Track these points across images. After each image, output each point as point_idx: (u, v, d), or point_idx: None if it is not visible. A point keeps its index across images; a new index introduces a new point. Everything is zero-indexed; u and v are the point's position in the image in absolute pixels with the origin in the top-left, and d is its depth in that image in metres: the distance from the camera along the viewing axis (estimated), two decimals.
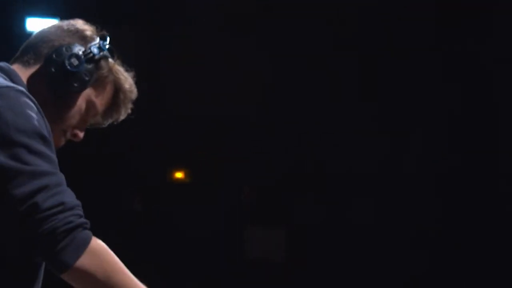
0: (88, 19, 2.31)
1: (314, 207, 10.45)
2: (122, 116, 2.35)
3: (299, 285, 10.04)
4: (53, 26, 2.25)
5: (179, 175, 10.86)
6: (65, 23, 2.26)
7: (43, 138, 1.97)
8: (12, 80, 2.11)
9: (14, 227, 1.93)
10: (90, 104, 2.24)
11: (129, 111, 2.34)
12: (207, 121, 10.21)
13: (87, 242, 1.95)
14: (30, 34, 8.84)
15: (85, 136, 2.36)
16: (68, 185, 2.03)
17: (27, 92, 2.03)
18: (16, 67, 2.19)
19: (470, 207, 10.36)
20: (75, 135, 2.24)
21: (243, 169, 10.48)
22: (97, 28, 2.30)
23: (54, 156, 2.00)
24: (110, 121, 2.35)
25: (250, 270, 10.17)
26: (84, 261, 1.93)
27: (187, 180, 10.89)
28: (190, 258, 9.99)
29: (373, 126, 10.50)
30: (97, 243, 1.98)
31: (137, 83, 2.37)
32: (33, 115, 1.99)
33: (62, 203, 1.92)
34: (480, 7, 10.43)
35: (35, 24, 9.65)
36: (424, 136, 10.77)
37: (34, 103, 2.02)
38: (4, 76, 2.11)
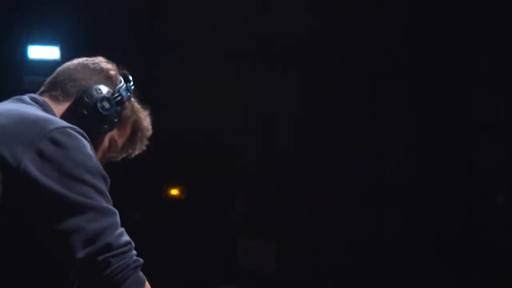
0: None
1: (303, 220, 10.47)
2: (137, 152, 2.37)
3: None
4: (78, 64, 2.23)
5: (174, 191, 10.85)
6: (90, 61, 2.25)
7: (105, 179, 1.98)
8: (51, 114, 2.10)
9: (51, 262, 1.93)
10: (112, 142, 2.26)
11: (144, 147, 2.36)
12: (199, 137, 10.25)
13: (144, 280, 1.98)
14: (31, 60, 8.79)
15: None
16: None
17: (83, 132, 2.01)
18: (47, 101, 2.16)
19: None
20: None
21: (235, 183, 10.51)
22: (117, 66, 2.30)
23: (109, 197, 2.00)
24: (124, 155, 2.37)
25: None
26: None
27: (182, 197, 10.88)
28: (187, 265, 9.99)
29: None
30: (147, 282, 2.00)
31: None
32: (93, 155, 1.99)
33: (129, 243, 1.95)
34: None
35: (36, 52, 9.66)
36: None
37: (90, 144, 2.01)
38: (42, 110, 2.09)
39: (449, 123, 10.81)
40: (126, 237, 1.95)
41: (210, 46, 10.25)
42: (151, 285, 2.01)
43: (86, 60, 2.25)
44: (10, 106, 2.06)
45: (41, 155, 1.87)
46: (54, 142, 1.89)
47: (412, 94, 10.85)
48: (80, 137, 1.97)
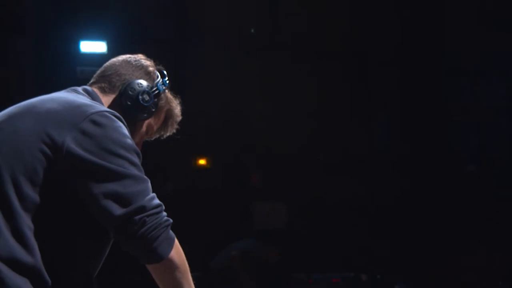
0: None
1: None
2: (168, 134, 2.37)
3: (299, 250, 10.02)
4: (123, 61, 2.24)
5: (202, 161, 10.84)
6: (132, 58, 2.25)
7: (137, 154, 1.99)
8: (98, 103, 2.12)
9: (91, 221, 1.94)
10: (149, 127, 2.26)
11: (174, 130, 2.36)
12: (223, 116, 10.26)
13: (174, 238, 1.97)
14: (83, 54, 8.76)
15: None
16: None
17: (120, 116, 2.04)
18: (96, 91, 2.18)
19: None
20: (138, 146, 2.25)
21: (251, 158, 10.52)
22: (154, 62, 2.30)
23: (142, 168, 2.00)
24: (157, 136, 2.36)
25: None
26: (174, 254, 1.94)
27: (209, 166, 10.86)
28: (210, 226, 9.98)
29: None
30: (176, 240, 2.00)
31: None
32: (128, 134, 2.00)
33: (160, 205, 1.95)
34: None
35: (87, 46, 9.66)
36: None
37: (125, 126, 2.03)
38: (90, 99, 2.11)
39: (428, 105, 10.79)
40: (157, 201, 1.95)
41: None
42: (180, 240, 2.01)
43: (129, 57, 2.25)
44: (63, 95, 2.09)
45: (83, 133, 1.90)
46: (95, 122, 1.92)
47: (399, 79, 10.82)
48: (116, 119, 1.99)
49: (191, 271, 2.05)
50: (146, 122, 2.24)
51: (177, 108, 2.33)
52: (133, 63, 2.23)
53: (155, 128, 2.29)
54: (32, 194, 1.88)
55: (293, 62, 10.46)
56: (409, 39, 10.58)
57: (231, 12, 10.06)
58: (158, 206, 1.94)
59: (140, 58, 2.26)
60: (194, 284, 2.05)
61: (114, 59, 2.25)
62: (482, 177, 10.55)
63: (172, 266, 1.95)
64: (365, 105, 10.84)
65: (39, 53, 9.75)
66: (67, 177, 1.90)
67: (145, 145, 2.30)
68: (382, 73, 10.86)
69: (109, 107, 2.12)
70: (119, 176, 1.90)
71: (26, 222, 1.87)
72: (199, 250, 8.78)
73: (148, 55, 2.35)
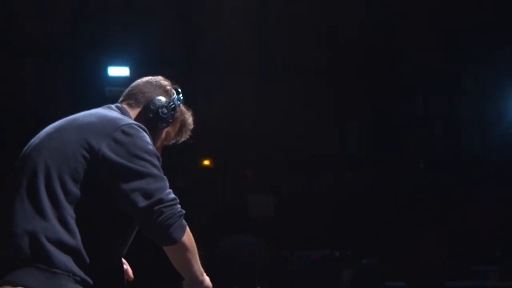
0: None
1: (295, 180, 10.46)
2: (183, 139, 2.34)
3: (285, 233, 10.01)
4: (146, 82, 2.23)
5: (206, 162, 10.86)
6: (153, 79, 2.24)
7: (158, 158, 2.00)
8: (127, 117, 2.13)
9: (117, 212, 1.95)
10: (167, 134, 2.24)
11: (188, 136, 2.33)
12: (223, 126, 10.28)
13: (186, 225, 1.97)
14: (110, 77, 8.68)
15: None
16: None
17: (144, 127, 2.05)
18: (125, 107, 2.17)
19: None
20: (158, 150, 2.19)
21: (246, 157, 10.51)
22: (171, 81, 2.28)
23: (161, 169, 2.01)
24: (173, 141, 2.34)
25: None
26: (185, 238, 1.94)
27: (212, 166, 10.86)
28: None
29: None
30: (188, 227, 1.99)
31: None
32: (150, 141, 2.01)
33: (175, 199, 1.96)
34: None
35: (114, 70, 9.66)
36: None
37: (148, 135, 2.04)
38: (121, 113, 2.12)
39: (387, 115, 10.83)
40: (173, 195, 1.96)
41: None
42: (190, 229, 2.00)
43: (151, 78, 2.25)
44: (100, 111, 2.11)
45: (115, 141, 1.93)
46: (124, 132, 1.95)
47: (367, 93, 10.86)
48: (141, 130, 2.01)
49: (198, 250, 2.06)
50: (165, 130, 2.22)
51: (189, 118, 2.31)
52: (154, 83, 2.22)
53: (172, 135, 2.27)
54: (74, 189, 1.91)
55: (278, 81, 10.49)
56: (371, 62, 10.62)
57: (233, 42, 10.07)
58: (173, 199, 1.95)
59: (160, 79, 2.26)
60: (201, 261, 2.04)
61: (138, 81, 2.25)
62: (430, 173, 10.60)
63: (183, 248, 1.96)
64: (337, 114, 10.89)
65: (75, 77, 9.77)
66: (102, 176, 1.92)
67: (162, 149, 2.30)
68: (351, 89, 10.90)
69: (135, 119, 2.13)
70: (143, 175, 1.92)
71: (69, 212, 1.90)
72: (205, 232, 8.79)
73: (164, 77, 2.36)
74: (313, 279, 8.41)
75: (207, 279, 2.06)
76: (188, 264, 1.98)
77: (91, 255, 1.90)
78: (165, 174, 1.98)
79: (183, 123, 2.28)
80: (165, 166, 2.04)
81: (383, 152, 10.56)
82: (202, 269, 2.03)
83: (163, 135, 2.22)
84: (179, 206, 1.96)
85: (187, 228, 1.97)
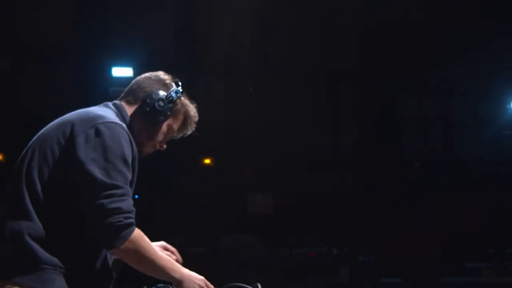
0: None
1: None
2: (189, 132, 2.25)
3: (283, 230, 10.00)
4: (145, 77, 2.18)
5: (207, 161, 10.86)
6: (152, 74, 2.18)
7: (125, 162, 1.94)
8: (121, 115, 2.08)
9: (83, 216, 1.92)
10: (170, 127, 2.17)
11: (193, 128, 2.24)
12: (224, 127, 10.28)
13: (127, 236, 1.89)
14: (114, 77, 8.61)
15: None
16: None
17: (126, 128, 2.00)
18: (123, 104, 2.13)
19: None
20: (161, 147, 2.16)
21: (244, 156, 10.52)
22: (172, 75, 2.21)
23: (129, 175, 1.95)
24: (181, 135, 2.25)
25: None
26: (126, 245, 1.88)
27: (213, 164, 10.85)
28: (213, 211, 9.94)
29: None
30: (136, 234, 1.91)
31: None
32: (125, 144, 1.95)
33: (118, 208, 1.88)
34: None
35: (117, 71, 9.65)
36: None
37: (128, 136, 1.98)
38: (117, 112, 2.08)
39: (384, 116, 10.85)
40: (118, 205, 1.90)
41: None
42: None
43: (151, 74, 2.18)
44: (94, 108, 2.09)
45: (86, 137, 1.92)
46: (97, 130, 1.93)
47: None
48: (118, 129, 1.97)
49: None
50: (166, 123, 2.14)
51: (193, 110, 2.21)
52: (153, 78, 2.16)
53: (175, 128, 2.18)
54: (53, 185, 1.92)
55: (278, 85, 10.49)
56: (366, 68, 10.64)
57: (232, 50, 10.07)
58: (116, 208, 1.88)
59: (160, 74, 2.19)
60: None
61: (138, 77, 2.21)
62: (424, 171, 10.60)
63: (125, 253, 1.92)
64: (335, 116, 10.90)
65: (79, 78, 9.77)
66: (69, 159, 1.92)
67: (165, 150, 2.26)
68: (349, 93, 10.92)
69: (132, 115, 2.10)
70: (95, 180, 1.89)
71: (51, 208, 1.91)
72: (205, 229, 8.77)
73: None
74: (311, 275, 8.41)
75: (192, 276, 1.99)
76: (142, 269, 1.94)
77: (74, 248, 1.92)
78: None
79: (187, 115, 2.20)
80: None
81: (381, 153, 10.56)
82: (174, 268, 1.97)
83: (165, 128, 2.16)
84: (123, 216, 1.89)
85: (132, 236, 1.91)
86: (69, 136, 1.93)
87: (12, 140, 8.60)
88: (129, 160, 1.96)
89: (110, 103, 2.13)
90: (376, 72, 10.59)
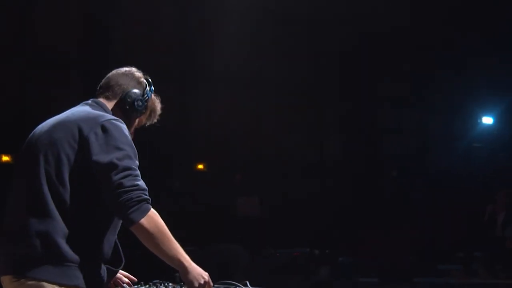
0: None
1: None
2: (152, 122, 2.36)
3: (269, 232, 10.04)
4: (122, 74, 2.26)
5: (200, 166, 10.87)
6: (128, 71, 2.27)
7: (133, 148, 2.06)
8: (105, 111, 2.18)
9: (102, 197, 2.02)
10: (140, 121, 2.31)
11: (155, 120, 2.37)
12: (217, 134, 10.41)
13: (147, 210, 1.97)
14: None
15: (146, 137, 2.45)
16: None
17: (121, 120, 2.13)
18: (102, 100, 2.23)
19: None
20: (131, 134, 2.21)
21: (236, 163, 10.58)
22: (143, 73, 2.31)
23: (136, 159, 2.06)
24: (145, 124, 2.37)
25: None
26: (144, 221, 1.95)
27: (205, 169, 10.96)
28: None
29: None
30: (153, 212, 1.99)
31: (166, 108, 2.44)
32: (128, 134, 2.09)
33: (136, 185, 1.98)
34: None
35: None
36: None
37: (125, 126, 2.12)
38: (101, 109, 2.18)
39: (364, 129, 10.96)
40: (135, 182, 1.98)
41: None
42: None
43: (126, 70, 2.27)
44: (80, 108, 2.19)
45: (96, 135, 2.03)
46: (103, 127, 2.04)
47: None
48: (119, 123, 2.09)
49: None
50: (138, 118, 2.30)
51: (158, 106, 2.35)
52: (129, 76, 2.26)
53: (143, 121, 2.33)
54: (72, 185, 2.01)
55: (269, 98, 10.59)
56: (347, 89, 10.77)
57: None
58: (134, 185, 1.97)
59: (134, 71, 2.29)
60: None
61: (114, 72, 2.28)
62: (401, 179, 10.74)
63: (144, 231, 1.96)
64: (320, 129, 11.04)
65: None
66: (85, 158, 2.01)
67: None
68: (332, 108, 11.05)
69: (112, 110, 2.20)
70: (115, 165, 1.99)
71: (72, 207, 2.00)
72: (198, 229, 8.80)
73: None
74: (294, 274, 8.46)
75: (198, 268, 2.04)
76: (157, 248, 1.97)
77: (93, 244, 2.02)
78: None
79: (153, 110, 2.32)
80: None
81: (360, 160, 10.69)
82: (185, 256, 2.01)
83: (136, 122, 2.29)
84: (141, 192, 1.97)
85: (151, 213, 1.97)
86: (80, 138, 2.02)
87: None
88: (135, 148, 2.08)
89: (89, 101, 2.21)
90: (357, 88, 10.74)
